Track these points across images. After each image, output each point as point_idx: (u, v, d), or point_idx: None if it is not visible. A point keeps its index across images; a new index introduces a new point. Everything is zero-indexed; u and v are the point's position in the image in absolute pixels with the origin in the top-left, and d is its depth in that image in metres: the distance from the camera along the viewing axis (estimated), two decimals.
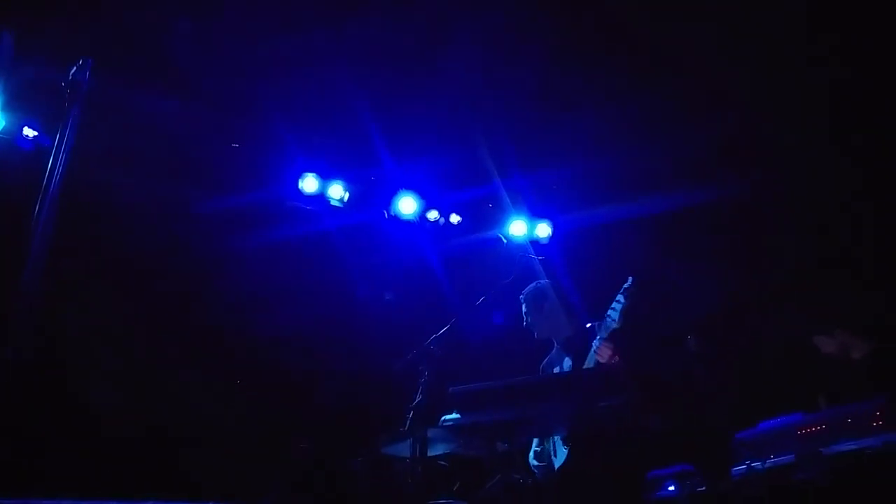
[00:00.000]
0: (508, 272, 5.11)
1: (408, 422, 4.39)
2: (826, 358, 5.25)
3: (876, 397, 4.11)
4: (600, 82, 6.44)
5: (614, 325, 4.57)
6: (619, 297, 4.58)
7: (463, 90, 6.60)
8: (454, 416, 4.19)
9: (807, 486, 4.07)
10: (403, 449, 4.34)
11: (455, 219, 7.79)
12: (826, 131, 6.20)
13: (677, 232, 7.20)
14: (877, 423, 4.00)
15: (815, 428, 4.26)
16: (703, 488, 4.62)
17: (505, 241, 7.56)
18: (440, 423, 4.28)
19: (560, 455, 4.74)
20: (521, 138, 7.15)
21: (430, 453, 4.24)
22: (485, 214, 7.91)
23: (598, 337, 4.67)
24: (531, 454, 5.02)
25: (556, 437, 4.78)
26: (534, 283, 5.35)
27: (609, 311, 4.62)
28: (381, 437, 4.54)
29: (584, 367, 4.67)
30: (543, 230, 7.85)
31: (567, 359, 5.10)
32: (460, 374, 4.40)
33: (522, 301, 5.32)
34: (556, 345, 5.26)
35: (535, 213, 7.84)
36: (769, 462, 4.32)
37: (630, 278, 4.58)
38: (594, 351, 4.66)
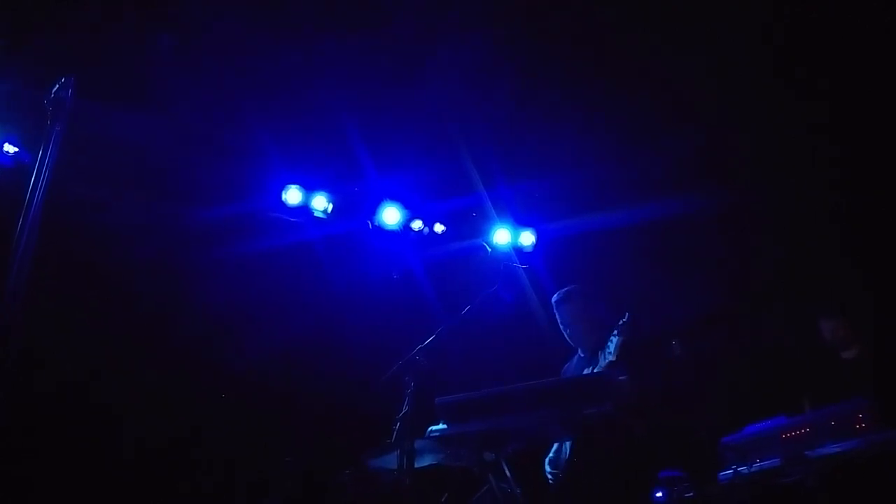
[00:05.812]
0: (493, 280, 5.11)
1: (394, 433, 4.37)
2: (821, 345, 5.32)
3: (859, 398, 4.15)
4: (582, 93, 6.48)
5: (612, 359, 4.59)
6: (615, 332, 4.61)
7: (446, 101, 6.62)
8: (441, 426, 4.20)
9: (792, 490, 4.10)
10: (390, 461, 4.32)
11: (439, 228, 7.80)
12: (804, 136, 6.27)
13: (660, 239, 7.24)
14: (860, 425, 4.03)
15: (800, 431, 4.28)
16: (691, 494, 4.65)
17: (489, 249, 7.57)
18: (427, 434, 4.27)
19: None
20: (505, 147, 7.17)
21: (417, 465, 4.23)
22: (469, 223, 7.91)
23: (598, 364, 4.71)
24: (546, 460, 5.01)
25: (567, 445, 4.76)
26: (577, 287, 5.28)
27: (608, 344, 4.65)
28: (367, 450, 4.52)
29: None
30: (527, 238, 7.86)
31: (587, 370, 5.07)
32: (446, 384, 4.41)
33: (564, 300, 5.24)
34: (579, 353, 5.24)
35: (519, 222, 7.85)
36: (755, 466, 4.34)
37: (627, 314, 4.61)
38: None
